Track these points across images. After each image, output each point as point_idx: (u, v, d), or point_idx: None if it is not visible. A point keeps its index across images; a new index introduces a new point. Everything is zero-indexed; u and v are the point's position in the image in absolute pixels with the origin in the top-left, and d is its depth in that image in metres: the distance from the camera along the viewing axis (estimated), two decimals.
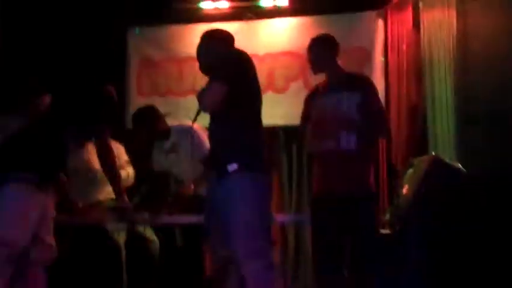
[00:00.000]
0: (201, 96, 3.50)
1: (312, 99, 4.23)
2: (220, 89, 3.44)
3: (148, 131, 4.92)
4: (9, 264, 3.47)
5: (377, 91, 4.19)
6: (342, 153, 4.00)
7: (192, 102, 5.80)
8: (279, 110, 5.89)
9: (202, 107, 3.52)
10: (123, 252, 4.20)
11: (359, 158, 4.03)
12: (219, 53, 3.63)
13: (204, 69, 3.71)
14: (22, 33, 5.99)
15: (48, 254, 3.70)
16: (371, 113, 4.03)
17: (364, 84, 4.16)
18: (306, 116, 4.26)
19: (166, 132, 4.89)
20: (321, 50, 4.17)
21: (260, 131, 3.61)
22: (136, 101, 5.96)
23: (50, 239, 3.71)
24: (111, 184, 3.89)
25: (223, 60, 3.56)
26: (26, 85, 4.84)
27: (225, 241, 3.47)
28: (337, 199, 3.99)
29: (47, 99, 4.61)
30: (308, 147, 4.23)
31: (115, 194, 3.91)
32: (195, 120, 3.67)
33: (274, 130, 5.93)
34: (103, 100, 3.85)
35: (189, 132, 4.71)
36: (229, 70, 3.50)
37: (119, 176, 3.94)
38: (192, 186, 4.68)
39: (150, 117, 4.91)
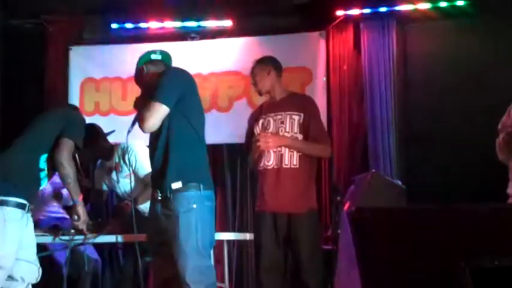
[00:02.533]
0: (141, 116, 3.49)
1: (255, 119, 4.27)
2: (160, 109, 3.43)
3: (91, 150, 4.88)
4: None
5: (319, 111, 4.27)
6: (285, 171, 4.05)
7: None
8: (223, 128, 5.92)
9: (143, 129, 3.49)
10: (64, 270, 4.13)
11: (301, 175, 4.08)
12: (157, 73, 3.63)
13: (143, 90, 3.72)
14: None
15: (36, 273, 3.70)
16: (313, 133, 4.10)
17: (306, 104, 4.22)
18: (250, 134, 4.29)
19: (109, 151, 4.85)
20: (264, 72, 4.22)
21: (203, 148, 3.62)
22: None
23: (34, 258, 3.72)
24: (70, 192, 3.86)
25: (162, 80, 3.55)
26: None
27: (169, 260, 3.46)
28: (279, 215, 4.03)
29: None
30: (252, 164, 4.26)
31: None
32: (129, 132, 3.64)
33: (218, 148, 5.97)
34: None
35: (130, 150, 4.69)
36: (168, 89, 3.49)
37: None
38: (130, 204, 4.66)
39: (93, 136, 4.87)
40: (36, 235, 4.19)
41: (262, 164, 4.11)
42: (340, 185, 5.28)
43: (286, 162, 4.05)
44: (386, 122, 5.66)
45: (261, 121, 4.19)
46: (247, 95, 6.02)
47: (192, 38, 6.26)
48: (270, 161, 4.08)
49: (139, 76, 3.71)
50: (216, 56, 6.21)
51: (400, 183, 4.45)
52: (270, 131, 4.10)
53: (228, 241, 4.41)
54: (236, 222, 5.90)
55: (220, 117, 6.04)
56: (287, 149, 4.05)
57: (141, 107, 3.57)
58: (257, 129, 4.19)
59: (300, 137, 4.06)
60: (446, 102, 5.52)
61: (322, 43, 6.00)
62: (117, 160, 4.78)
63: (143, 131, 3.49)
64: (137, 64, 3.71)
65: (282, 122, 4.10)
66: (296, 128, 4.07)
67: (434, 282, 3.17)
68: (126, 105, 6.15)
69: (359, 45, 5.91)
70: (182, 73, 3.62)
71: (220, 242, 4.25)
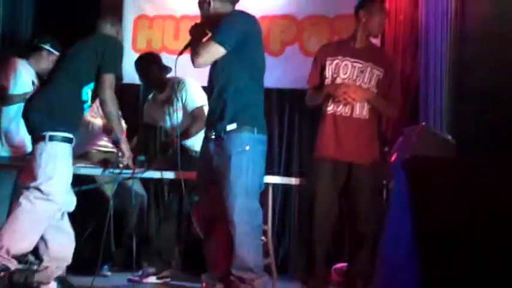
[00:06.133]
0: (196, 51, 3.53)
1: (327, 56, 4.22)
2: (217, 50, 3.48)
3: (147, 77, 4.97)
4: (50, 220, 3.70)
5: (398, 73, 4.26)
6: (355, 120, 4.05)
7: (187, 60, 5.87)
8: (273, 73, 5.86)
9: (194, 63, 3.55)
10: (111, 203, 4.23)
11: (369, 126, 4.09)
12: (223, 13, 3.64)
13: (205, 22, 3.76)
14: None
15: (72, 203, 3.87)
16: (392, 93, 4.11)
17: (388, 62, 4.25)
18: (318, 70, 4.24)
19: (163, 83, 4.94)
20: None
21: (261, 93, 3.67)
22: (131, 57, 5.91)
23: (70, 188, 3.86)
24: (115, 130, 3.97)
25: (225, 21, 3.56)
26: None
27: (217, 199, 3.51)
28: (340, 163, 4.04)
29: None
30: (311, 101, 4.26)
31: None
32: (180, 53, 3.69)
33: (267, 92, 5.93)
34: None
35: (182, 84, 4.76)
36: (229, 32, 3.52)
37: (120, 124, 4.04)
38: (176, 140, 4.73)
39: (156, 61, 4.97)
40: (86, 167, 4.30)
41: (331, 110, 4.10)
42: (388, 136, 5.24)
43: (357, 112, 4.06)
44: (439, 75, 5.53)
45: (336, 62, 4.14)
46: (300, 40, 5.95)
47: None
48: (340, 108, 4.07)
49: (203, 7, 3.74)
50: None
51: (450, 137, 4.39)
52: (346, 76, 4.08)
53: (273, 185, 4.43)
54: (281, 167, 5.91)
55: (272, 62, 5.96)
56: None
57: (197, 39, 3.61)
58: (330, 70, 4.15)
59: (375, 91, 4.06)
60: (504, 59, 5.36)
61: None
62: (169, 94, 4.85)
63: (194, 65, 3.57)
64: None
65: (362, 72, 4.08)
66: (373, 82, 4.07)
67: (487, 231, 3.14)
68: (178, 44, 6.12)
69: None
70: (247, 17, 3.66)
71: (265, 186, 4.28)
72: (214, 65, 3.68)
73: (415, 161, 3.75)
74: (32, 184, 3.62)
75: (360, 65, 4.12)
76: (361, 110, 4.10)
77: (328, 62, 4.18)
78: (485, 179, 2.86)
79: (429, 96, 5.55)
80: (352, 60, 4.14)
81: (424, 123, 4.72)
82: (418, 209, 3.66)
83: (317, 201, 4.10)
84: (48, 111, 3.70)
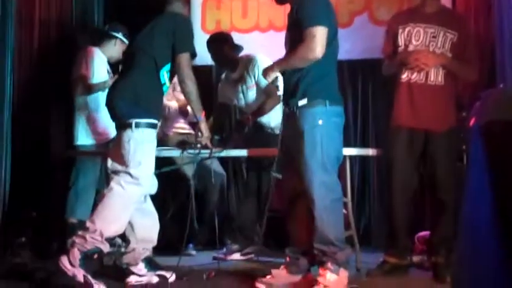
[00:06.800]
0: (309, 46, 3.50)
1: (400, 23, 4.19)
2: (323, 32, 3.50)
3: (219, 56, 5.02)
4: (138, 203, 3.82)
5: (472, 34, 4.17)
6: (429, 87, 4.01)
7: (256, 38, 5.90)
8: (343, 44, 5.78)
9: (313, 58, 3.51)
10: (192, 183, 4.32)
11: (445, 92, 4.04)
12: None
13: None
14: None
15: (154, 186, 3.99)
16: (468, 55, 4.04)
17: (462, 23, 4.18)
18: (392, 38, 4.22)
19: (234, 61, 4.99)
20: None
21: (332, 65, 3.67)
22: (201, 38, 5.97)
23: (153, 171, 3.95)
24: (193, 109, 4.00)
25: (309, 3, 3.58)
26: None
27: (297, 175, 3.55)
28: (416, 131, 4.01)
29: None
30: (388, 70, 4.23)
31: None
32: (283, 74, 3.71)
33: (338, 64, 5.91)
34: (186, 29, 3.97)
35: (254, 62, 4.79)
36: (320, 11, 3.54)
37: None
38: (250, 118, 4.78)
39: (228, 41, 5.01)
40: (165, 149, 4.40)
41: (405, 78, 4.06)
42: (465, 101, 5.15)
43: (432, 79, 4.01)
44: None
45: (408, 29, 4.11)
46: (369, 9, 5.89)
47: None
48: (414, 75, 4.03)
49: None
50: None
51: None
52: (418, 43, 4.04)
53: (350, 157, 4.43)
54: (358, 139, 5.90)
55: (341, 33, 5.90)
56: (435, 67, 4.01)
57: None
58: (402, 38, 4.12)
59: (449, 55, 4.01)
60: None
61: None
62: (242, 72, 4.89)
63: (314, 59, 3.52)
64: None
65: (434, 37, 4.03)
66: (447, 46, 4.01)
67: None
68: (246, 23, 6.20)
69: None
70: None
71: (343, 158, 4.28)
72: (289, 41, 3.70)
73: (493, 125, 3.69)
74: (122, 169, 3.74)
75: (432, 30, 4.06)
76: (436, 76, 4.05)
77: (400, 30, 4.14)
78: None
79: (505, 56, 5.39)
80: (424, 25, 4.08)
81: (501, 86, 4.60)
82: (496, 174, 3.61)
83: (395, 171, 4.09)
84: (133, 99, 3.78)
